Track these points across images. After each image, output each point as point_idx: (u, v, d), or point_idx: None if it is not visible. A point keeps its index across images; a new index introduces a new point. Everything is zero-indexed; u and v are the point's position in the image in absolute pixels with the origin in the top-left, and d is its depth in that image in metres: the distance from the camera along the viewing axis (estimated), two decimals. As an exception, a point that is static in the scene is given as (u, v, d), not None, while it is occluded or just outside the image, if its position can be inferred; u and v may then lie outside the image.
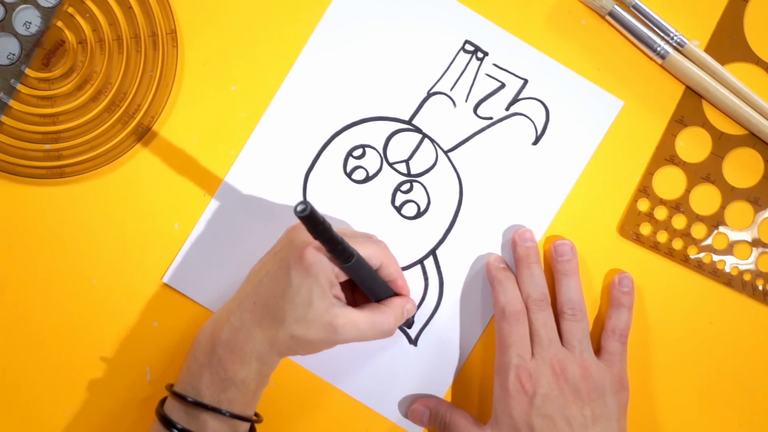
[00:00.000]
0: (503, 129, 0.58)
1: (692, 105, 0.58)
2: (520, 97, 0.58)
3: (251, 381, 0.51)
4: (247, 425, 0.52)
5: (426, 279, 0.58)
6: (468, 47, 0.58)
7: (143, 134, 0.58)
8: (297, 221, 0.46)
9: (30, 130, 0.58)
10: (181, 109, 0.59)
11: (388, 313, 0.52)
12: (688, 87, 0.58)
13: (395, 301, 0.54)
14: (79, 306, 0.58)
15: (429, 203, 0.59)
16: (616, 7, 0.57)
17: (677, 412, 0.59)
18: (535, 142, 0.58)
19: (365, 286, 0.52)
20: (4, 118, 0.58)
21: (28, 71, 0.58)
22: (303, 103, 0.58)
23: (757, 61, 0.58)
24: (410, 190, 0.59)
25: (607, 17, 0.58)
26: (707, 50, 0.58)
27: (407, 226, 0.59)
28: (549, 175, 0.58)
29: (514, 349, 0.54)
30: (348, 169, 0.59)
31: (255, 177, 0.58)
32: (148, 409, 0.58)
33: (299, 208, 0.43)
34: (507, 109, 0.58)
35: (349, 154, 0.59)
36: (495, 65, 0.58)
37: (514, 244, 0.57)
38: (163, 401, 0.53)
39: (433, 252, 0.58)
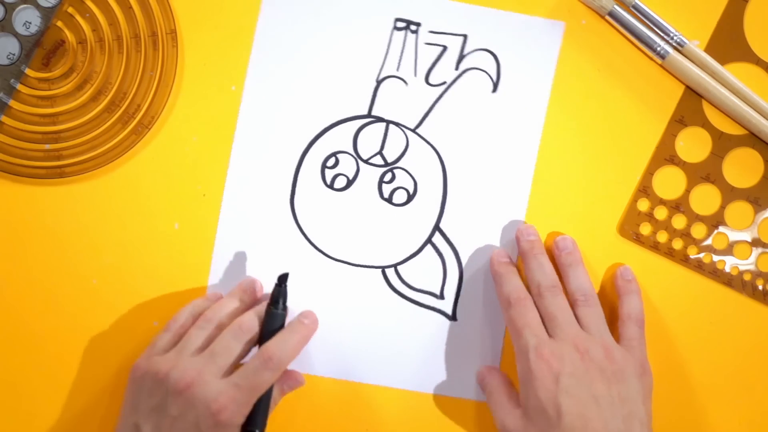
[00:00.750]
0: (460, 88, 0.58)
1: (692, 105, 0.58)
2: (465, 53, 0.58)
3: None
4: None
5: (441, 255, 0.58)
6: (399, 24, 0.58)
7: (143, 134, 0.58)
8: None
9: (30, 130, 0.58)
10: (181, 109, 0.59)
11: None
12: (688, 87, 0.58)
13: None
14: (79, 306, 0.58)
15: (416, 184, 0.58)
16: (616, 7, 0.57)
17: (677, 412, 0.59)
18: (494, 90, 0.58)
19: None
20: (4, 118, 0.58)
21: (28, 71, 0.58)
22: (263, 129, 0.58)
23: (757, 61, 0.58)
24: (393, 178, 0.59)
25: (607, 17, 0.58)
26: (707, 50, 0.58)
27: (403, 213, 0.59)
28: (517, 115, 0.58)
29: (528, 330, 0.53)
30: (328, 181, 0.58)
31: (243, 211, 0.58)
32: (148, 409, 0.58)
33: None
34: (456, 68, 0.58)
35: (324, 166, 0.58)
36: (431, 32, 0.58)
37: (518, 239, 0.57)
38: None
39: (437, 227, 0.58)
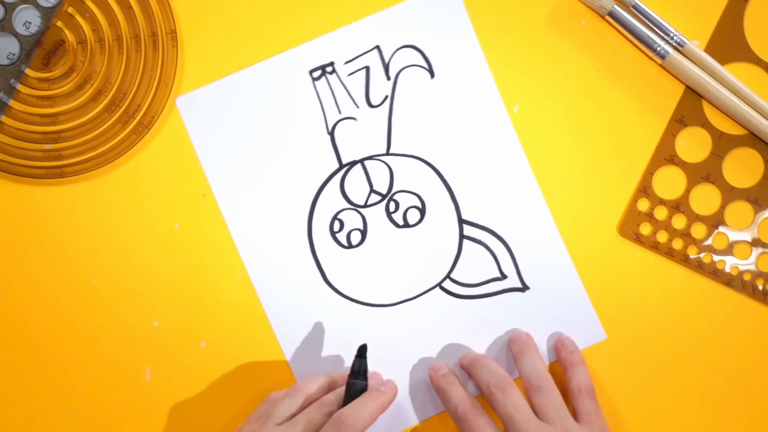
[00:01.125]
0: (402, 93, 0.58)
1: (692, 105, 0.58)
2: (386, 61, 0.58)
3: None
4: None
5: (480, 242, 0.58)
6: (315, 74, 0.58)
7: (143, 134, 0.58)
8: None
9: (30, 130, 0.58)
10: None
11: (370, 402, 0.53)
12: (688, 87, 0.58)
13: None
14: (79, 306, 0.58)
15: (419, 197, 0.59)
16: (616, 7, 0.57)
17: (677, 412, 0.59)
18: (432, 75, 0.58)
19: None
20: (4, 118, 0.58)
21: (28, 71, 0.58)
22: (257, 218, 0.58)
23: (757, 61, 0.58)
24: (397, 204, 0.59)
25: (607, 17, 0.58)
26: (707, 50, 0.58)
27: (426, 227, 0.59)
28: (467, 89, 0.58)
29: None
30: (345, 243, 0.58)
31: (279, 289, 0.59)
32: (149, 409, 0.58)
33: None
34: (388, 78, 0.59)
35: (333, 233, 0.58)
36: (346, 63, 0.59)
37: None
38: None
39: (461, 221, 0.58)
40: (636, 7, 0.58)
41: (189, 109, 0.58)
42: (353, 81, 0.59)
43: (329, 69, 0.58)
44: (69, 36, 0.58)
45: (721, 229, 0.59)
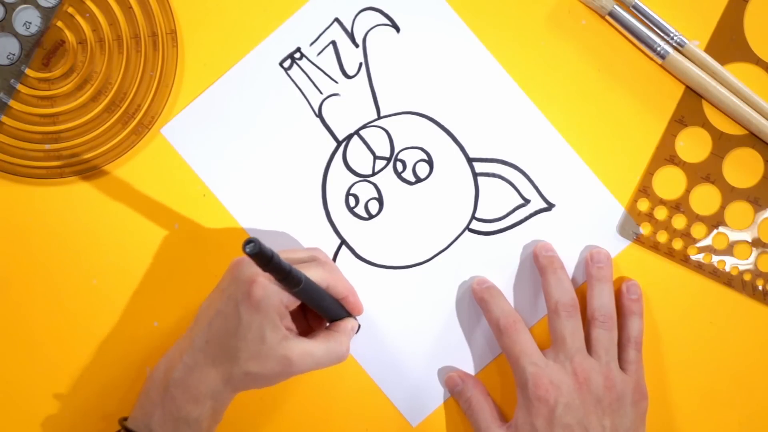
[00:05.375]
0: (375, 55, 0.59)
1: (692, 105, 0.58)
2: (350, 30, 0.58)
3: (204, 420, 0.51)
4: None
5: (494, 174, 0.58)
6: (285, 64, 0.58)
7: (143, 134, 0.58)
8: (240, 255, 0.47)
9: (30, 130, 0.58)
10: (181, 109, 0.59)
11: (341, 339, 0.53)
12: (688, 87, 0.58)
13: (343, 325, 0.54)
14: (79, 306, 0.58)
15: (424, 150, 0.59)
16: (616, 7, 0.57)
17: (677, 412, 0.59)
18: (397, 30, 0.58)
19: (317, 308, 0.53)
20: (4, 118, 0.58)
21: (28, 71, 0.58)
22: (271, 218, 0.59)
23: (757, 61, 0.58)
24: (404, 163, 0.58)
25: (607, 17, 0.58)
26: (707, 50, 0.58)
27: (438, 176, 0.59)
28: (436, 31, 0.58)
29: (524, 358, 0.54)
30: (366, 215, 0.59)
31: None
32: (148, 409, 0.58)
33: (248, 249, 0.43)
34: (357, 45, 0.58)
35: (352, 210, 0.59)
36: (311, 44, 0.58)
37: (536, 256, 0.57)
38: None
39: (470, 160, 0.58)
40: (636, 7, 0.58)
41: (176, 135, 0.58)
42: (324, 59, 0.59)
43: (297, 55, 0.58)
44: (69, 36, 0.58)
45: (721, 229, 0.59)
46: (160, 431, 0.51)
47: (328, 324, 0.55)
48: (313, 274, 0.51)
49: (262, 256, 0.44)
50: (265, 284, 0.49)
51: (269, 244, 0.45)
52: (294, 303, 0.51)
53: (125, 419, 0.53)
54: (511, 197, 0.58)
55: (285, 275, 0.47)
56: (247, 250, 0.43)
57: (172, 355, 0.52)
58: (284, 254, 0.51)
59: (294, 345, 0.50)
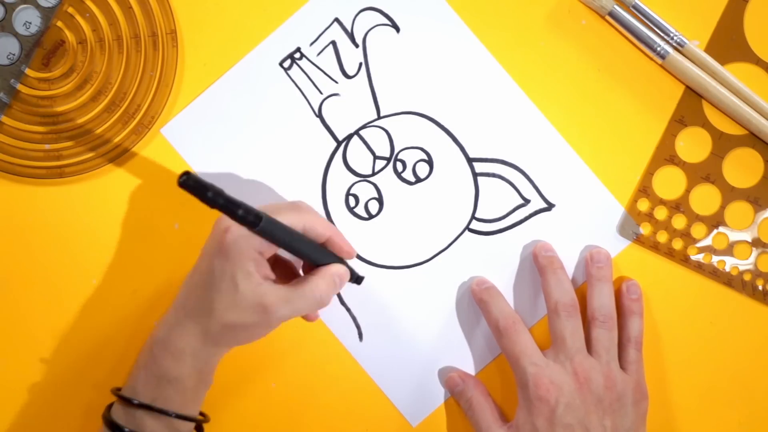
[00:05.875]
0: (375, 55, 0.58)
1: (692, 105, 0.58)
2: (350, 30, 0.58)
3: (186, 378, 0.50)
4: (189, 425, 0.52)
5: (494, 174, 0.58)
6: (285, 64, 0.58)
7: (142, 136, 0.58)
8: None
9: (30, 130, 0.58)
10: (181, 109, 0.59)
11: (318, 282, 0.51)
12: (688, 87, 0.58)
13: (323, 270, 0.52)
14: (79, 306, 0.58)
15: (423, 150, 0.59)
16: (616, 7, 0.57)
17: (677, 412, 0.59)
18: (397, 30, 0.58)
19: (295, 252, 0.51)
20: (4, 118, 0.58)
21: (28, 71, 0.58)
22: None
23: (757, 61, 0.58)
24: (404, 163, 0.59)
25: (607, 17, 0.58)
26: (707, 50, 0.58)
27: (438, 176, 0.59)
28: (436, 30, 0.58)
29: (524, 359, 0.54)
30: (366, 215, 0.59)
31: None
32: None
33: (180, 180, 0.42)
34: (357, 46, 0.59)
35: (352, 211, 0.59)
36: (311, 44, 0.58)
37: (536, 256, 0.58)
38: (110, 406, 0.53)
39: (470, 160, 0.58)
40: (636, 7, 0.58)
41: (176, 135, 0.58)
42: (324, 59, 0.59)
43: (297, 55, 0.58)
44: (69, 36, 0.58)
45: (721, 229, 0.59)
46: (143, 391, 0.50)
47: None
48: (286, 217, 0.50)
49: (196, 187, 0.42)
50: (235, 231, 0.48)
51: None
52: (269, 250, 0.49)
53: (119, 389, 0.53)
54: (511, 197, 0.59)
55: (237, 211, 0.46)
56: (180, 181, 0.42)
57: (161, 320, 0.52)
58: (265, 207, 0.50)
59: (268, 290, 0.49)
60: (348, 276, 0.53)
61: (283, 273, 0.53)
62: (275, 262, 0.53)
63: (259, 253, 0.49)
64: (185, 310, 0.50)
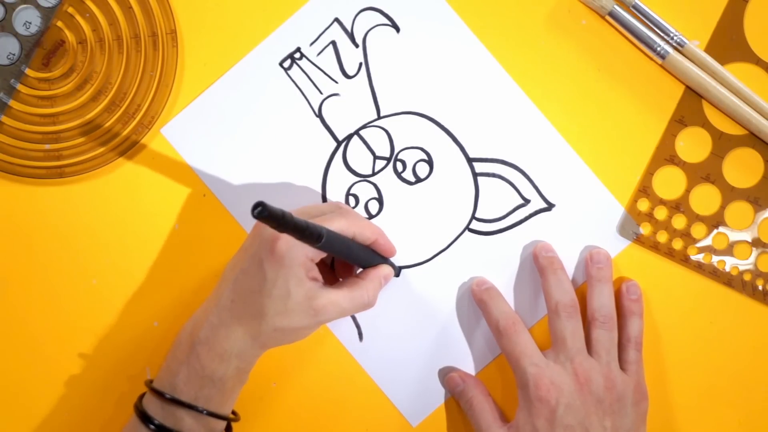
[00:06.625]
0: (375, 55, 0.58)
1: (692, 105, 0.58)
2: (350, 30, 0.58)
3: (229, 379, 0.51)
4: (223, 424, 0.52)
5: (494, 174, 0.58)
6: (285, 64, 0.58)
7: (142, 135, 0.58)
8: None
9: (30, 130, 0.58)
10: (181, 109, 0.59)
11: (367, 286, 0.53)
12: (688, 87, 0.58)
13: (372, 273, 0.54)
14: (79, 306, 0.58)
15: (423, 150, 0.59)
16: (616, 7, 0.57)
17: (677, 412, 0.59)
18: (397, 30, 0.58)
19: (346, 258, 0.53)
20: (4, 118, 0.58)
21: (28, 71, 0.58)
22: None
23: (757, 61, 0.58)
24: (404, 163, 0.59)
25: (607, 17, 0.58)
26: (707, 50, 0.58)
27: (438, 176, 0.59)
28: (436, 30, 0.58)
29: (524, 359, 0.54)
30: (366, 215, 0.59)
31: None
32: (148, 409, 0.58)
33: (256, 212, 0.42)
34: (357, 46, 0.58)
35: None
36: (311, 44, 0.59)
37: (536, 256, 0.58)
38: (141, 397, 0.53)
39: (470, 160, 0.58)
40: (636, 7, 0.58)
41: (176, 135, 0.58)
42: (324, 59, 0.59)
43: (297, 55, 0.58)
44: (69, 36, 0.58)
45: (721, 229, 0.59)
46: (185, 389, 0.51)
47: (359, 272, 0.55)
48: (337, 225, 0.51)
49: (272, 218, 0.43)
50: (288, 239, 0.49)
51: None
52: (319, 255, 0.51)
53: (151, 381, 0.53)
54: (511, 197, 0.59)
55: (302, 233, 0.46)
56: (255, 213, 0.42)
57: (198, 317, 0.52)
58: (306, 209, 0.52)
59: (319, 295, 0.50)
60: (392, 275, 0.56)
61: (323, 270, 0.54)
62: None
63: (310, 259, 0.50)
64: (231, 312, 0.51)
